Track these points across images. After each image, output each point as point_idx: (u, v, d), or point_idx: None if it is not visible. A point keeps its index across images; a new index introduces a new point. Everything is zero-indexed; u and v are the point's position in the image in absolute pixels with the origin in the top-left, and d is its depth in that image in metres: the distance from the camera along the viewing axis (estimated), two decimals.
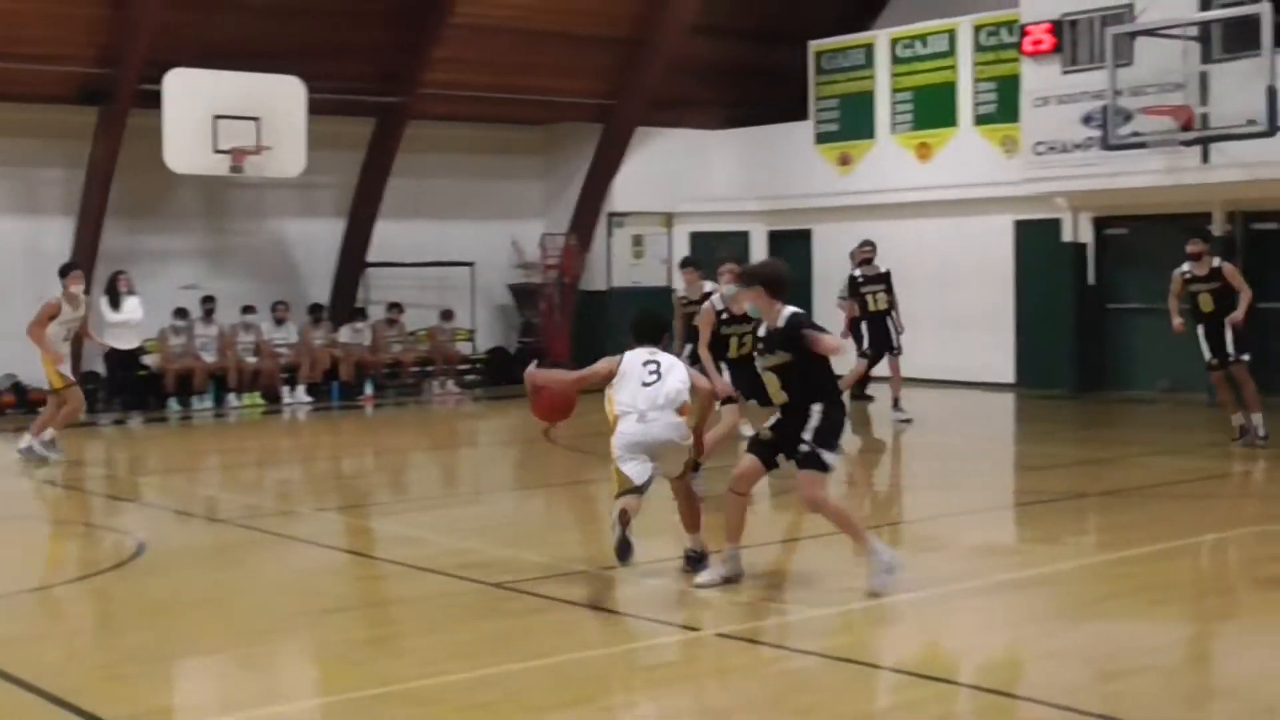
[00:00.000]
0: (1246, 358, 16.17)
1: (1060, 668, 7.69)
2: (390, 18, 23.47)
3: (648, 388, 9.67)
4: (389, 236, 25.08)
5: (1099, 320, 22.55)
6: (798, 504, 9.97)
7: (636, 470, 9.56)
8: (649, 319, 10.27)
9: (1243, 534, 11.63)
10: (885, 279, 18.99)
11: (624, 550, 9.16)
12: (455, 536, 11.58)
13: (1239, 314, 15.91)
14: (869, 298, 18.83)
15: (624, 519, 9.23)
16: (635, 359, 9.83)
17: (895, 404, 18.86)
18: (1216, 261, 16.35)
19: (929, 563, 10.61)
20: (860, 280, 18.92)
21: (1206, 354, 16.31)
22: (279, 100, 22.15)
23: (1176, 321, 16.57)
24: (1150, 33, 20.13)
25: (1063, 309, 22.80)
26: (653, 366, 9.80)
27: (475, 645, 8.23)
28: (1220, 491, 13.84)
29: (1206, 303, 16.21)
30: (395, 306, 24.95)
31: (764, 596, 8.96)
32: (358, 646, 8.39)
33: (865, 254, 19.10)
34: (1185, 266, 16.31)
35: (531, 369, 10.18)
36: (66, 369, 16.10)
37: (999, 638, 8.47)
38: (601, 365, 9.84)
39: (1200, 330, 16.39)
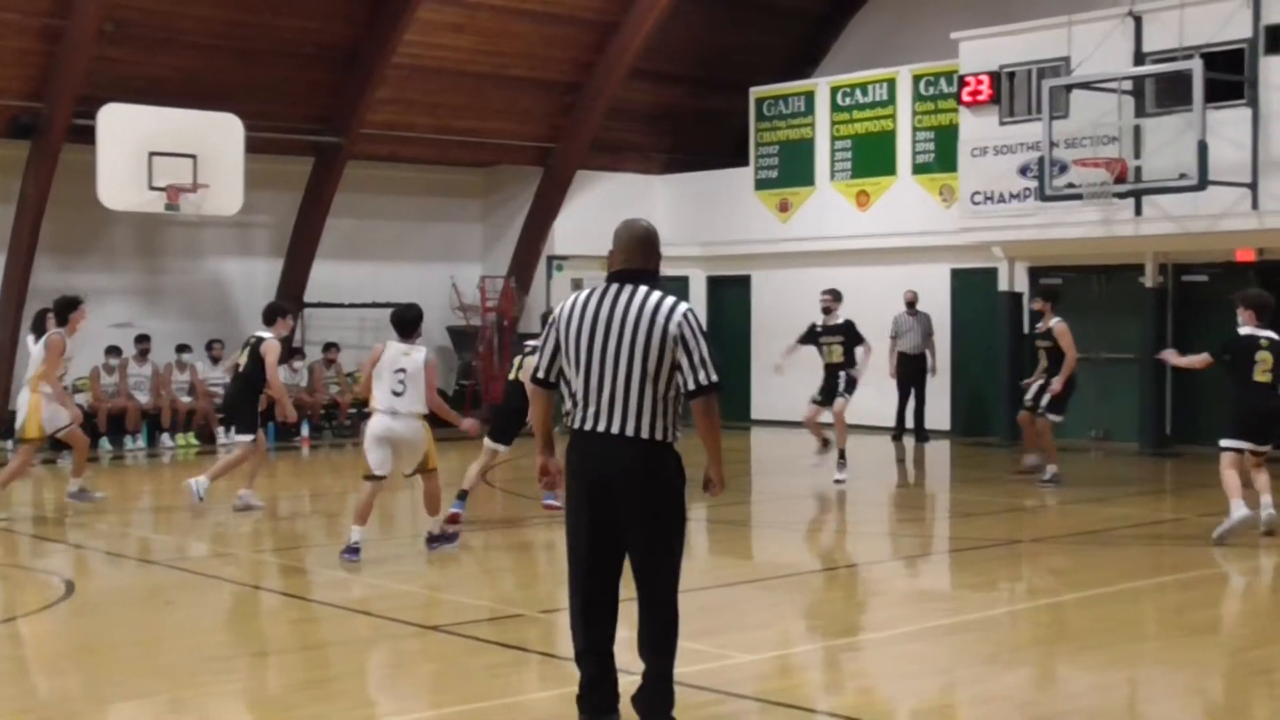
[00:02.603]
0: (1053, 418, 17.60)
1: (992, 713, 7.73)
2: (331, 58, 23.49)
3: (398, 396, 11.85)
4: (327, 277, 25.02)
5: (1033, 369, 22.69)
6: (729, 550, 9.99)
7: (377, 460, 11.94)
8: (405, 312, 12.22)
9: (1170, 580, 11.74)
10: (844, 330, 17.99)
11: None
12: (391, 579, 11.52)
13: (1057, 385, 17.35)
14: (825, 349, 18.00)
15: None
16: (390, 358, 11.97)
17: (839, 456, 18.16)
18: (1053, 321, 17.52)
19: (865, 608, 10.65)
20: (819, 330, 18.14)
21: (1028, 397, 17.95)
22: (216, 138, 22.04)
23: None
24: (1086, 86, 20.40)
25: (998, 357, 22.97)
26: (400, 376, 11.87)
27: (411, 689, 8.20)
28: (1149, 538, 13.95)
29: (1043, 358, 17.75)
30: (332, 346, 24.84)
31: (700, 641, 8.96)
32: (292, 690, 8.34)
33: (825, 303, 18.33)
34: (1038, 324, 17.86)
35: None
36: (59, 418, 15.45)
37: (932, 683, 8.50)
38: (374, 352, 12.17)
39: (1038, 382, 17.86)
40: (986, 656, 9.08)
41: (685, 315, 6.64)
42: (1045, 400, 17.61)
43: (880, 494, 17.65)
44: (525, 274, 26.91)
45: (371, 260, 26.09)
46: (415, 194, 26.82)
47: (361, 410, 24.68)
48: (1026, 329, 17.97)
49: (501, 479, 18.01)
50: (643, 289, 6.73)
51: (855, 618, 10.36)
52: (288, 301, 19.48)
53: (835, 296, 18.05)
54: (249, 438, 15.78)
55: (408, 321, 12.23)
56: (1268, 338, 13.24)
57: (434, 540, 12.57)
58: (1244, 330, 13.33)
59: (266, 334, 15.74)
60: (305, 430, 23.67)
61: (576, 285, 27.08)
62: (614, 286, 6.78)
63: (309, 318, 25.44)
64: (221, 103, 22.21)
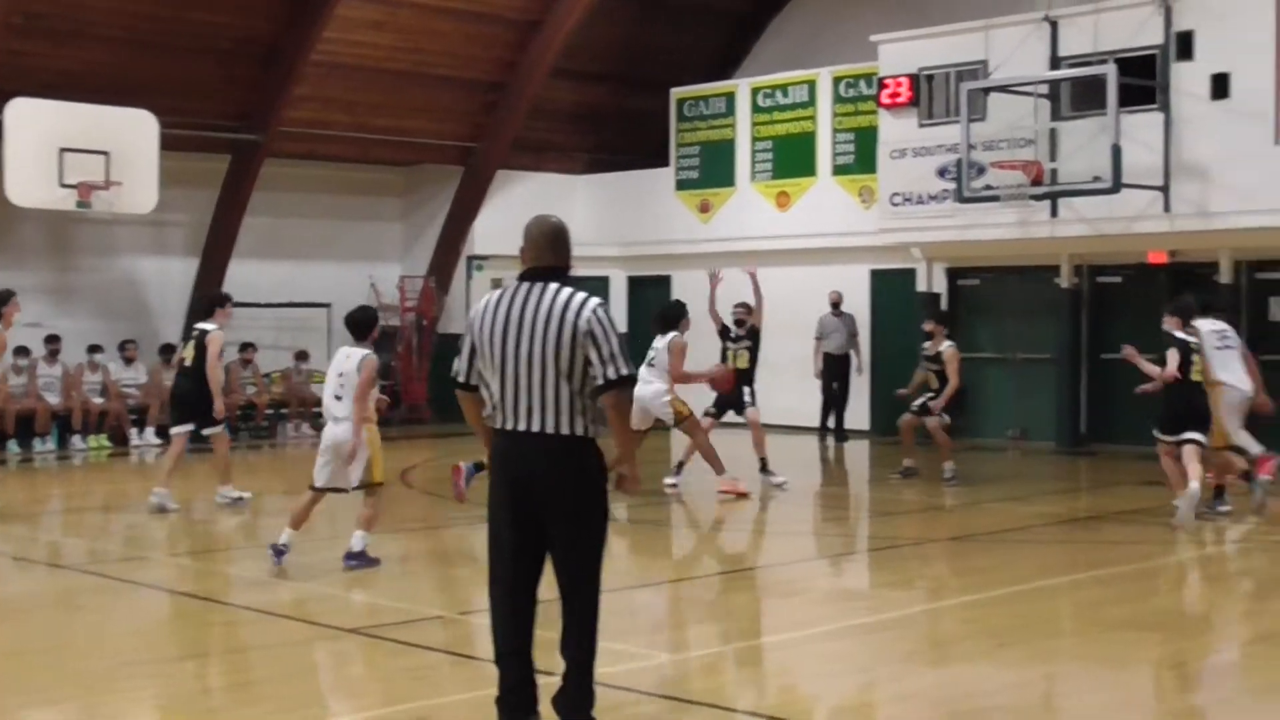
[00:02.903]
0: (946, 420, 17.72)
1: (911, 710, 7.78)
2: (248, 54, 23.29)
3: (338, 401, 11.70)
4: (244, 276, 24.77)
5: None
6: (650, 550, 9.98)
7: (317, 470, 11.87)
8: (357, 314, 12.02)
9: (1086, 577, 11.85)
10: (752, 337, 18.04)
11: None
12: (310, 582, 11.44)
13: (938, 405, 17.55)
14: (733, 354, 17.94)
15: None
16: (335, 361, 11.85)
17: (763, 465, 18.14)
18: (944, 345, 17.65)
19: (785, 608, 10.69)
20: (731, 336, 18.09)
21: (915, 405, 18.02)
22: (130, 134, 21.71)
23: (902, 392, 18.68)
24: (1003, 89, 20.59)
25: (916, 357, 23.03)
26: (341, 380, 11.64)
27: (331, 692, 8.14)
28: (1065, 537, 14.10)
29: (933, 380, 17.82)
30: (249, 347, 24.60)
31: (621, 641, 8.95)
32: (210, 695, 8.26)
33: (738, 315, 18.15)
34: (926, 345, 17.98)
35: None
36: None
37: (852, 681, 8.54)
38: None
39: (926, 396, 17.92)
40: (905, 654, 9.13)
41: (595, 311, 6.65)
42: (933, 403, 17.69)
43: (801, 493, 17.71)
44: (445, 274, 26.80)
45: (289, 259, 25.87)
46: (334, 193, 26.65)
47: (279, 411, 24.62)
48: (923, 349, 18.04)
49: (421, 480, 17.92)
50: (553, 286, 6.73)
51: (775, 617, 10.39)
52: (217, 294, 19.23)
53: (748, 310, 18.17)
54: (218, 429, 15.82)
55: (359, 323, 11.90)
56: (1197, 342, 14.40)
57: (353, 558, 11.87)
58: (1179, 334, 14.29)
59: (209, 325, 15.61)
60: (174, 432, 23.28)
61: (496, 285, 26.83)
62: (525, 285, 6.78)
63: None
64: (135, 98, 21.91)
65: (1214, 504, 14.71)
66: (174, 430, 15.98)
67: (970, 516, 15.44)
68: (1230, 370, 14.80)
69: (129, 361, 23.34)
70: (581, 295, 6.71)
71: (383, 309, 26.33)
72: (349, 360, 11.74)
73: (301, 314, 25.80)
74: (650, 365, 16.33)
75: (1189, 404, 14.31)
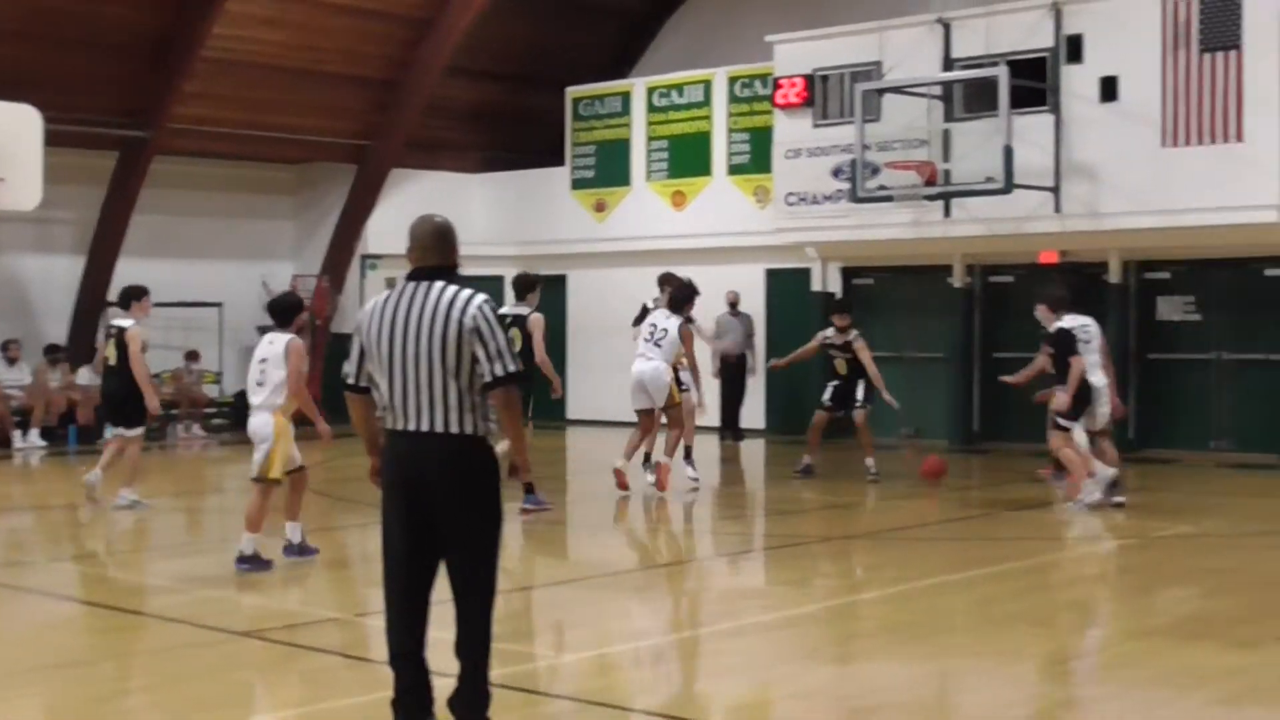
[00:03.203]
0: (869, 407, 17.92)
1: (809, 707, 7.78)
2: (137, 48, 22.94)
3: (259, 387, 11.55)
4: (132, 275, 24.18)
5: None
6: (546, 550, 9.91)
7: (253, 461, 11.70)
8: (280, 299, 12.07)
9: (979, 574, 11.95)
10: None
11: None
12: (200, 585, 11.26)
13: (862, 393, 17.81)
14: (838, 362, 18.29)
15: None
16: (257, 350, 11.65)
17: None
18: (853, 335, 17.85)
19: (681, 606, 10.67)
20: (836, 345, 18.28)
21: (826, 398, 18.18)
22: (12, 129, 21.11)
23: (777, 362, 19.17)
24: (897, 90, 20.72)
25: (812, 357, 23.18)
26: (262, 365, 11.51)
27: (222, 697, 8.00)
28: (957, 534, 14.22)
29: (841, 366, 18.00)
30: None
31: (517, 642, 8.89)
32: (97, 702, 8.07)
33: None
34: (829, 332, 18.00)
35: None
36: None
37: (750, 679, 8.53)
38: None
39: (832, 384, 18.18)
40: (804, 652, 9.14)
41: (480, 307, 6.61)
42: (859, 396, 17.80)
43: (700, 493, 17.71)
44: (339, 273, 26.58)
45: (179, 258, 25.53)
46: (225, 190, 26.35)
47: (169, 412, 24.26)
48: (824, 337, 18.08)
49: (315, 481, 17.74)
50: (439, 285, 6.68)
51: (673, 616, 10.37)
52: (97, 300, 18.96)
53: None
54: (138, 431, 15.53)
55: (282, 309, 11.82)
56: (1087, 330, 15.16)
57: (292, 551, 11.95)
58: (1056, 325, 14.92)
59: (126, 321, 15.30)
60: (109, 433, 23.01)
61: (391, 284, 26.71)
62: (411, 285, 6.73)
63: (112, 317, 24.75)
64: (18, 92, 21.38)
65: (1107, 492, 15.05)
66: (110, 433, 15.79)
67: (865, 515, 15.54)
68: (1089, 368, 15.18)
69: (12, 362, 22.93)
70: (467, 293, 6.66)
71: None
72: (271, 346, 11.61)
73: (192, 313, 25.46)
74: (656, 344, 16.16)
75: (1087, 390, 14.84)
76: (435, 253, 6.79)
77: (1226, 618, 9.92)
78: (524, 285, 15.53)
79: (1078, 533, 14.09)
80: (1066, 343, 14.82)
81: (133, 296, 15.51)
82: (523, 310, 15.31)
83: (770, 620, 10.06)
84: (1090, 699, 7.96)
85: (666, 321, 16.30)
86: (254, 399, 11.67)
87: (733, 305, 23.58)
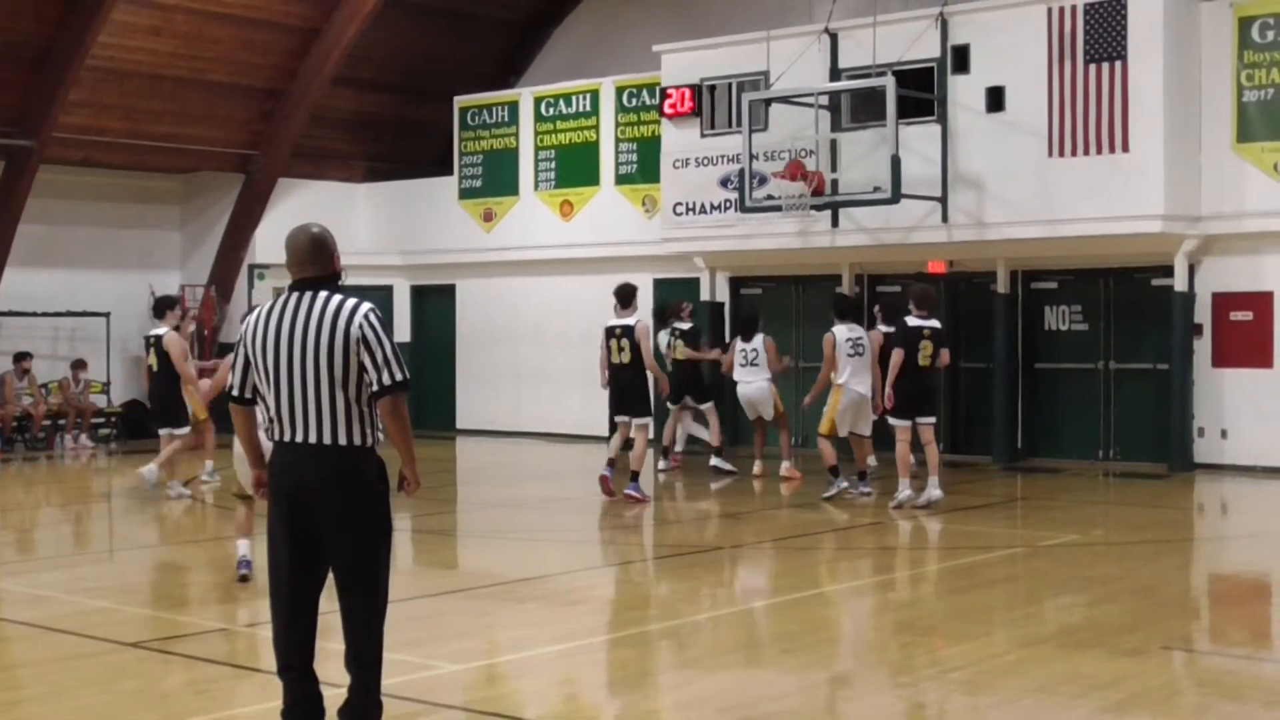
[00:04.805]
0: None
1: (695, 717, 7.84)
2: (19, 57, 22.62)
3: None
4: (18, 284, 24.08)
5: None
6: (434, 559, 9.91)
7: None
8: (158, 299, 12.94)
9: (870, 583, 12.10)
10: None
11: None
12: (87, 595, 11.15)
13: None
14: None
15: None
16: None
17: None
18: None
19: (570, 616, 10.71)
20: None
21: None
22: None
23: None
24: (784, 100, 20.84)
25: (700, 365, 23.29)
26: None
27: (108, 708, 7.93)
28: (850, 543, 14.36)
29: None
30: (25, 356, 23.91)
31: (406, 652, 8.89)
32: None
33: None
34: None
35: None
36: None
37: (637, 688, 8.59)
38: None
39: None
40: (690, 661, 9.21)
41: (367, 315, 6.58)
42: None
43: (587, 502, 17.76)
44: (226, 282, 26.36)
45: (66, 268, 25.26)
46: (111, 200, 26.07)
47: (57, 422, 23.94)
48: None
49: (202, 491, 17.62)
50: (323, 294, 6.65)
51: (560, 626, 10.40)
52: None
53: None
54: (184, 429, 16.91)
55: (157, 303, 12.48)
56: (930, 327, 15.72)
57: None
58: (912, 321, 15.74)
59: (161, 329, 16.48)
60: (164, 433, 22.60)
61: (278, 294, 26.58)
62: (294, 295, 6.68)
63: (151, 327, 24.51)
64: None
65: (858, 484, 16.79)
66: (162, 433, 17.02)
67: (756, 523, 15.65)
68: (857, 376, 16.74)
69: None
70: (352, 301, 6.63)
71: None
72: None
73: (79, 323, 25.18)
74: (754, 365, 18.79)
75: (921, 387, 15.79)
76: (313, 264, 6.75)
77: (1113, 626, 10.05)
78: (627, 295, 16.70)
79: (964, 543, 14.28)
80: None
81: (166, 306, 16.78)
82: (629, 320, 16.40)
83: (657, 630, 10.13)
84: (977, 707, 8.08)
85: (754, 343, 18.81)
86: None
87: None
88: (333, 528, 6.57)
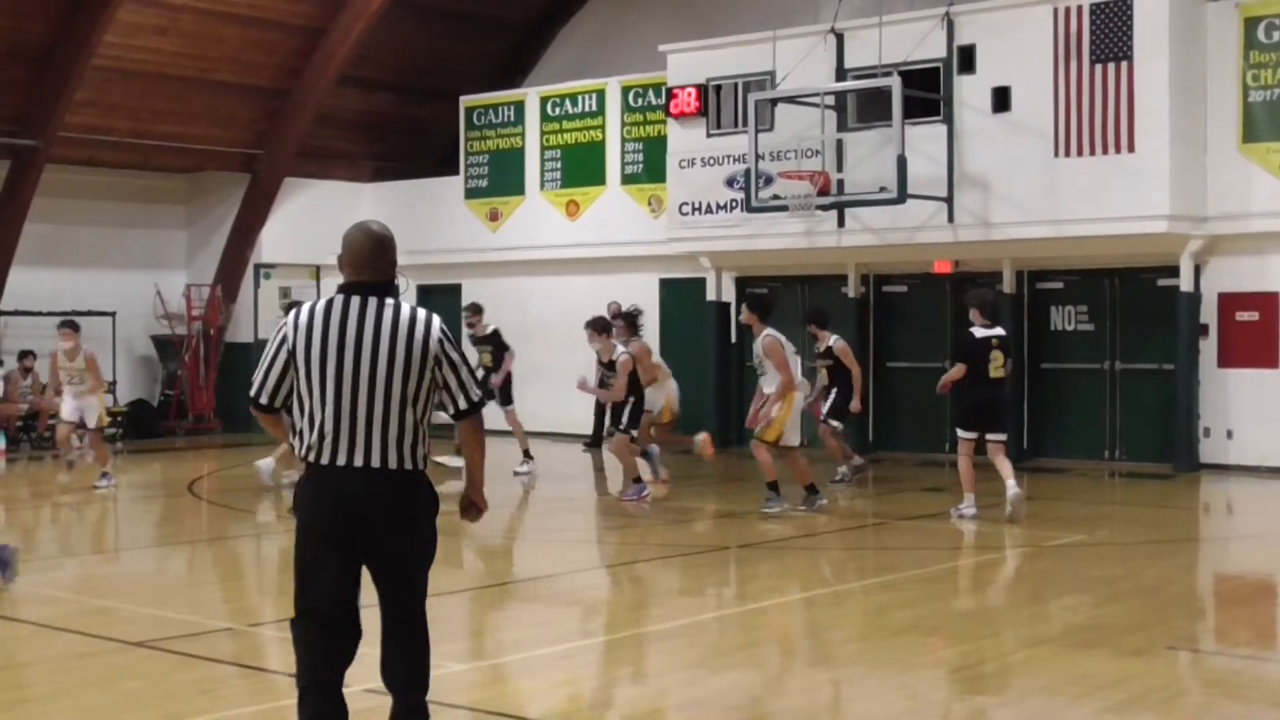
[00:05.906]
0: (834, 424, 18.50)
1: (701, 716, 7.83)
2: (26, 56, 22.65)
3: None
4: (24, 284, 24.11)
5: (740, 377, 23.13)
6: (439, 560, 9.90)
7: None
8: None
9: (873, 584, 12.08)
10: (492, 339, 19.74)
11: None
12: (93, 594, 11.16)
13: (855, 403, 18.39)
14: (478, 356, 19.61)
15: None
16: None
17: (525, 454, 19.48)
18: (832, 339, 18.49)
19: (575, 615, 10.71)
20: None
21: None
22: None
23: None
24: (790, 100, 20.85)
25: (705, 366, 23.34)
26: None
27: (112, 707, 7.94)
28: (850, 544, 14.35)
29: (824, 376, 18.50)
30: (29, 354, 23.92)
31: None
32: None
33: (467, 319, 19.86)
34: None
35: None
36: None
37: (642, 688, 8.59)
38: None
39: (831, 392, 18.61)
40: (695, 660, 9.20)
41: (443, 330, 6.11)
42: (826, 409, 18.37)
43: (585, 502, 17.76)
44: (232, 282, 26.38)
45: (71, 267, 25.29)
46: (116, 199, 26.09)
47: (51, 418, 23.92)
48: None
49: (208, 491, 17.61)
50: (390, 302, 6.06)
51: (565, 625, 10.39)
52: None
53: (474, 310, 19.85)
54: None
55: None
56: (998, 336, 14.89)
57: None
58: (979, 332, 14.83)
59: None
60: (1, 441, 22.73)
61: (285, 294, 26.65)
62: (355, 299, 6.05)
63: (4, 326, 24.52)
64: None
65: (811, 499, 15.60)
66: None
67: (757, 524, 15.62)
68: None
69: None
70: (423, 313, 6.13)
71: (168, 317, 25.94)
72: None
73: (84, 322, 25.07)
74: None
75: (993, 399, 14.92)
76: (373, 268, 6.18)
77: (1118, 626, 10.05)
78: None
79: (970, 543, 14.26)
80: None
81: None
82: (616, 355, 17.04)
83: (662, 629, 10.10)
84: (982, 707, 8.08)
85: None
86: None
87: (614, 316, 23.49)
88: (390, 553, 6.11)
